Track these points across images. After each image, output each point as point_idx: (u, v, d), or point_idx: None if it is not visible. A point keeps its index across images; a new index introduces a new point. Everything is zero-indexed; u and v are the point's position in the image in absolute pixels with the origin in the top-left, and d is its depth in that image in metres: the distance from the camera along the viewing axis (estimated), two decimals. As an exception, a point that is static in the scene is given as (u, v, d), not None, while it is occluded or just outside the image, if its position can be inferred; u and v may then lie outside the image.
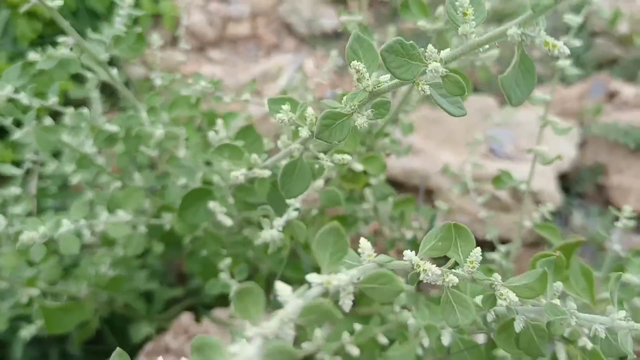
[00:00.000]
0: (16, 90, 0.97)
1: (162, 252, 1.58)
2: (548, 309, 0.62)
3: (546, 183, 1.94)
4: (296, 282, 1.52)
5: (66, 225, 0.93)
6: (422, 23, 0.95)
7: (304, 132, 0.75)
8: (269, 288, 1.39)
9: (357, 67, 0.63)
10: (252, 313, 0.38)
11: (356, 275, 0.44)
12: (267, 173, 0.85)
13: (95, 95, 1.67)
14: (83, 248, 1.60)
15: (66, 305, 1.16)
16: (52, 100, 1.02)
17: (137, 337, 1.50)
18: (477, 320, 0.76)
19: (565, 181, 2.13)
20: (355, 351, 0.87)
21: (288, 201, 0.88)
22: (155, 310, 1.58)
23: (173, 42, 2.40)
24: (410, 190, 1.93)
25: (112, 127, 1.02)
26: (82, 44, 0.96)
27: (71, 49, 0.95)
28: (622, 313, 0.62)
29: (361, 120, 0.66)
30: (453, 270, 0.57)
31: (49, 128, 0.99)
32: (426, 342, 0.84)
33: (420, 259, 0.53)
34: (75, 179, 1.40)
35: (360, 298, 1.20)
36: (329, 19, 2.66)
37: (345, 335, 0.89)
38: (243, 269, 1.09)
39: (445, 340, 0.80)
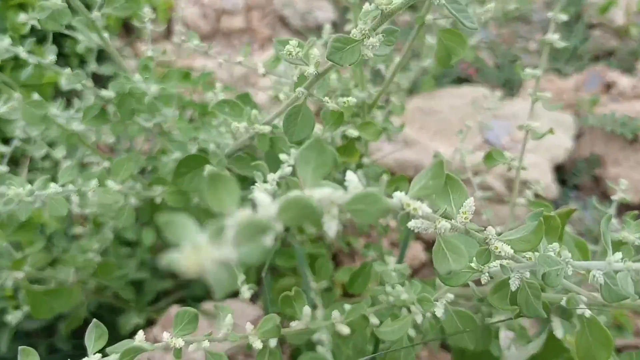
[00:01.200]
0: (13, 44, 0.95)
1: (153, 245, 1.57)
2: (542, 260, 0.60)
3: (542, 174, 1.92)
4: (288, 271, 1.50)
5: (54, 187, 0.91)
6: None
7: (310, 70, 0.76)
8: (259, 276, 1.37)
9: None
10: (227, 204, 0.35)
11: (342, 196, 0.41)
12: (267, 128, 0.85)
13: (88, 84, 1.66)
14: (73, 239, 1.59)
15: (53, 290, 1.14)
16: (50, 58, 0.99)
17: (126, 328, 1.48)
18: (472, 288, 0.74)
19: (562, 173, 2.11)
20: (345, 330, 0.85)
21: (282, 157, 0.87)
22: (145, 300, 1.56)
23: (167, 34, 2.38)
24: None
25: (108, 93, 0.99)
26: (74, 1, 0.94)
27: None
28: (618, 255, 0.60)
29: (373, 41, 0.68)
30: (445, 221, 0.54)
31: (36, 102, 0.96)
32: (419, 318, 0.82)
33: (411, 199, 0.50)
34: (65, 165, 1.38)
35: (351, 283, 1.19)
36: (323, 12, 2.64)
37: (336, 314, 0.87)
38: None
39: (439, 311, 0.78)
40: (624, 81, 2.22)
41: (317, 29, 2.61)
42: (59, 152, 1.48)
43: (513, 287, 0.64)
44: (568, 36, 2.55)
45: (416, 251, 1.75)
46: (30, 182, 0.90)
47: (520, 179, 1.12)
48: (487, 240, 0.58)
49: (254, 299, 1.45)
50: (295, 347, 1.33)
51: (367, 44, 0.68)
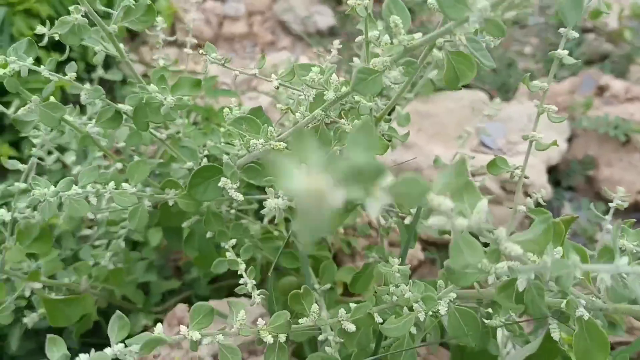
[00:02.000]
0: (35, 62, 0.97)
1: (159, 245, 1.60)
2: (554, 265, 0.63)
3: (537, 176, 1.97)
4: (290, 271, 1.54)
5: (75, 189, 0.95)
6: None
7: (329, 95, 0.83)
8: (264, 277, 1.41)
9: (395, 21, 0.71)
10: (310, 156, 0.37)
11: (387, 179, 0.44)
12: (283, 145, 0.89)
13: (105, 99, 1.70)
14: (80, 240, 1.63)
15: (69, 299, 1.17)
16: (71, 74, 1.02)
17: (134, 330, 1.52)
18: (477, 287, 0.78)
19: (556, 174, 2.16)
20: (351, 327, 0.90)
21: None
22: (152, 301, 1.60)
23: (171, 40, 2.42)
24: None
25: (125, 107, 1.02)
26: (92, 13, 0.96)
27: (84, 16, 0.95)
28: (625, 259, 0.63)
29: (394, 74, 0.75)
30: (462, 219, 0.57)
31: (53, 104, 0.99)
32: (422, 316, 0.86)
33: (435, 194, 0.53)
34: (75, 170, 1.42)
35: (353, 283, 1.23)
36: (324, 17, 2.68)
37: (342, 312, 0.92)
38: (248, 248, 1.11)
39: (443, 309, 0.83)
40: (617, 84, 2.28)
41: (317, 34, 2.66)
42: (68, 157, 1.52)
43: (520, 288, 0.68)
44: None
45: (414, 251, 1.79)
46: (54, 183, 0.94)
47: (515, 180, 1.15)
48: (497, 241, 0.62)
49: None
50: (297, 344, 1.37)
51: (389, 76, 0.73)
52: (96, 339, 1.55)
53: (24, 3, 2.05)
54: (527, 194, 1.85)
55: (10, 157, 1.21)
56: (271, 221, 1.39)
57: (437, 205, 0.51)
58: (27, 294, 1.15)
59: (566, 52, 1.03)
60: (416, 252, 1.78)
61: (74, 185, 0.95)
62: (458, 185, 0.53)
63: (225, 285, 1.64)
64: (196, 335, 0.82)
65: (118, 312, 0.79)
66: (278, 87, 0.95)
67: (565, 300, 0.76)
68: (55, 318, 1.16)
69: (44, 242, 1.10)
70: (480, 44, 0.69)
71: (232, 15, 2.61)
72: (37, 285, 1.15)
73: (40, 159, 1.63)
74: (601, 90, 2.31)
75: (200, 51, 0.99)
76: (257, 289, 1.01)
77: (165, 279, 1.71)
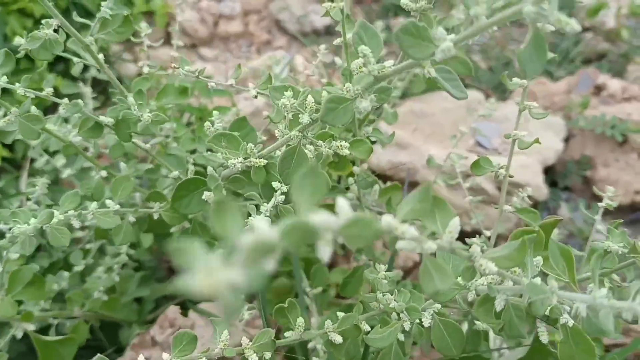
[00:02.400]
0: (10, 81, 0.96)
1: (152, 246, 1.60)
2: (530, 288, 0.63)
3: (532, 176, 1.96)
4: (282, 273, 1.54)
5: (57, 217, 0.93)
6: (406, 2, 0.95)
7: (304, 118, 0.80)
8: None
9: (364, 52, 0.68)
10: (233, 229, 0.37)
11: (336, 221, 0.43)
12: (263, 162, 0.88)
13: (87, 90, 1.69)
14: (72, 242, 1.61)
15: (63, 340, 1.14)
16: (47, 90, 1.01)
17: (129, 340, 1.51)
18: (459, 301, 0.77)
19: (552, 175, 2.15)
20: (338, 339, 0.89)
21: (275, 185, 0.90)
22: (145, 311, 1.58)
23: (165, 40, 2.41)
24: (398, 184, 1.94)
25: (106, 119, 1.01)
26: (66, 25, 0.95)
27: (55, 31, 0.94)
28: (603, 291, 0.63)
29: (365, 105, 0.71)
30: (431, 239, 0.56)
31: (33, 116, 0.97)
32: (407, 325, 0.85)
33: (399, 222, 0.53)
34: (65, 173, 1.41)
35: (343, 287, 1.22)
36: (319, 16, 2.67)
37: (328, 323, 0.91)
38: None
39: (426, 321, 0.82)
40: (614, 84, 2.26)
41: (314, 33, 2.64)
42: (58, 160, 1.52)
43: (498, 308, 0.67)
44: (559, 39, 2.59)
45: (409, 252, 1.78)
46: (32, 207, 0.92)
47: (512, 180, 1.14)
48: (472, 258, 0.61)
49: (250, 299, 1.48)
50: (288, 348, 1.36)
51: (360, 106, 0.71)
52: (90, 342, 1.54)
53: (17, 2, 2.04)
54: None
55: (3, 159, 1.20)
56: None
57: (401, 233, 0.51)
58: (20, 335, 1.11)
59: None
60: (411, 253, 1.77)
61: (55, 212, 0.94)
62: (422, 210, 0.53)
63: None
64: (178, 363, 0.81)
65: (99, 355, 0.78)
66: (256, 96, 0.94)
67: (549, 307, 0.75)
68: (48, 358, 1.13)
69: (36, 289, 1.06)
70: (452, 73, 0.66)
71: (227, 14, 2.59)
72: (31, 327, 1.11)
73: (33, 159, 1.63)
74: (598, 89, 2.29)
75: (172, 64, 0.98)
76: (248, 292, 1.00)
77: (158, 280, 1.70)
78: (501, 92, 2.38)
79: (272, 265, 0.38)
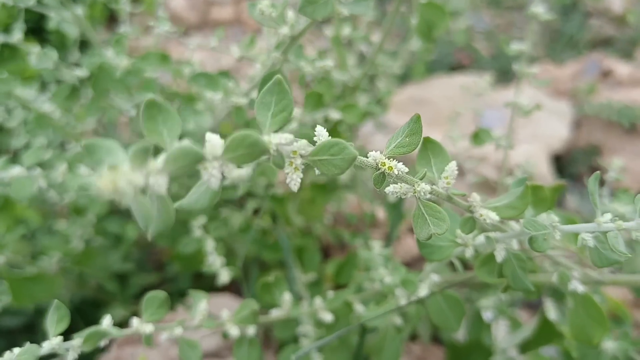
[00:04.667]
0: None
1: (138, 239, 1.52)
2: (529, 224, 0.55)
3: (539, 164, 1.88)
4: (276, 266, 1.46)
5: (17, 168, 0.88)
6: None
7: (284, 30, 0.75)
8: (246, 269, 1.32)
9: None
10: (165, 136, 0.31)
11: (305, 145, 0.36)
12: (244, 101, 0.82)
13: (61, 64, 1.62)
14: (56, 234, 1.54)
15: (34, 276, 1.08)
16: (17, 37, 0.94)
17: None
18: (457, 264, 0.69)
19: (559, 162, 2.07)
20: (328, 317, 0.80)
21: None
22: (129, 293, 1.52)
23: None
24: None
25: (81, 72, 0.94)
26: None
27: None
28: (607, 216, 0.55)
29: None
30: (425, 184, 0.48)
31: (2, 79, 0.91)
32: (403, 301, 0.76)
33: (386, 158, 0.45)
34: (46, 155, 1.34)
35: (337, 274, 1.14)
36: None
37: (318, 301, 0.82)
38: (219, 225, 1.02)
39: (423, 291, 0.73)
40: (621, 68, 2.18)
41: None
42: (39, 141, 1.44)
43: (499, 259, 0.59)
44: (565, 24, 2.51)
45: (409, 246, 1.70)
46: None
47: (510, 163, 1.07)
48: (471, 208, 0.53)
49: (241, 293, 1.41)
50: (281, 342, 1.28)
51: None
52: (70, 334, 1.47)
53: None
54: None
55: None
56: (255, 212, 1.31)
57: (389, 169, 0.43)
58: None
59: (542, 9, 0.97)
60: (411, 248, 1.69)
61: (17, 166, 0.88)
62: (412, 145, 0.45)
63: (208, 282, 1.57)
64: (149, 327, 0.72)
65: (56, 301, 0.69)
66: (242, 59, 0.87)
67: (556, 273, 0.67)
68: (19, 296, 1.07)
69: (4, 217, 1.04)
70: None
71: (219, 1, 2.51)
72: (1, 259, 1.07)
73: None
74: (605, 75, 2.21)
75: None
76: (241, 286, 0.92)
77: (145, 272, 1.64)
78: (504, 79, 2.30)
79: (215, 184, 0.31)
